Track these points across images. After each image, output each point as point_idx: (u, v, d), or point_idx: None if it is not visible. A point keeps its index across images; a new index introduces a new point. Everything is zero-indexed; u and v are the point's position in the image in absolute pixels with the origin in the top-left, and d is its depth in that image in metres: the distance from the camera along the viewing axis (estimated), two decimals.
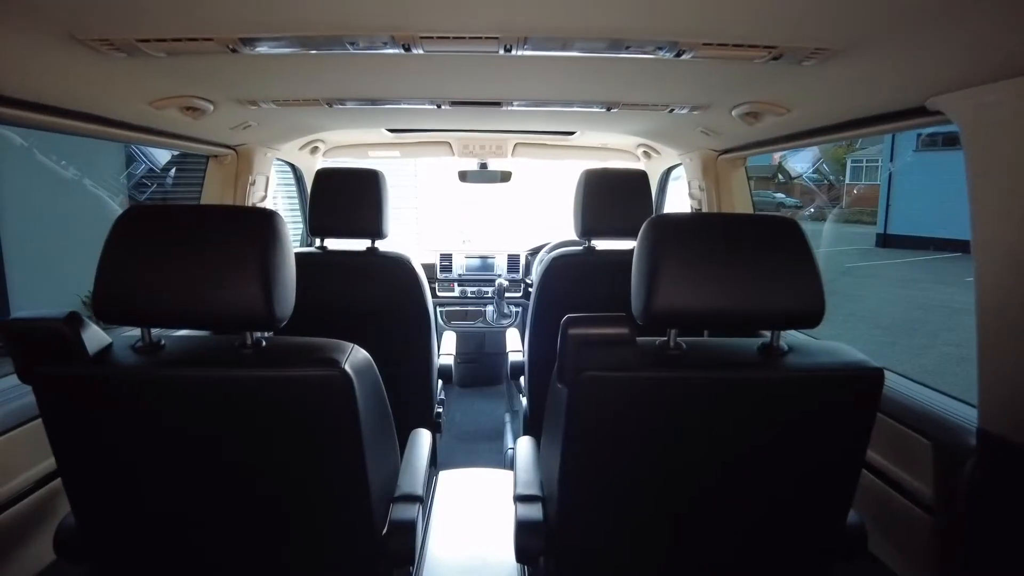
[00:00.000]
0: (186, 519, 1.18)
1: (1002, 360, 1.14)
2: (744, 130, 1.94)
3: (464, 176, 3.48)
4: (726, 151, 2.40)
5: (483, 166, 3.46)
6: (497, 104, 1.93)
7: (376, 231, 2.11)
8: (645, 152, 3.11)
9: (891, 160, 20.44)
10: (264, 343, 1.13)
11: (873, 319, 9.18)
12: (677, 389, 1.09)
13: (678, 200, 3.14)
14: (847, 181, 42.20)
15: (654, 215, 1.22)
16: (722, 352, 1.17)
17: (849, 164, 43.58)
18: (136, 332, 1.12)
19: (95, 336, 1.07)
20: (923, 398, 1.43)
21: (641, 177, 2.16)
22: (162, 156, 7.54)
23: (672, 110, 1.89)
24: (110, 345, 1.10)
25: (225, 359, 1.09)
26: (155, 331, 1.11)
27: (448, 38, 1.17)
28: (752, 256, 1.12)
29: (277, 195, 3.29)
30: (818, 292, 1.11)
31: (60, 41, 1.10)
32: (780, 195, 44.82)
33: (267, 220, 1.08)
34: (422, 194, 8.53)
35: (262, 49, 1.21)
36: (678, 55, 1.21)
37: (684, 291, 1.09)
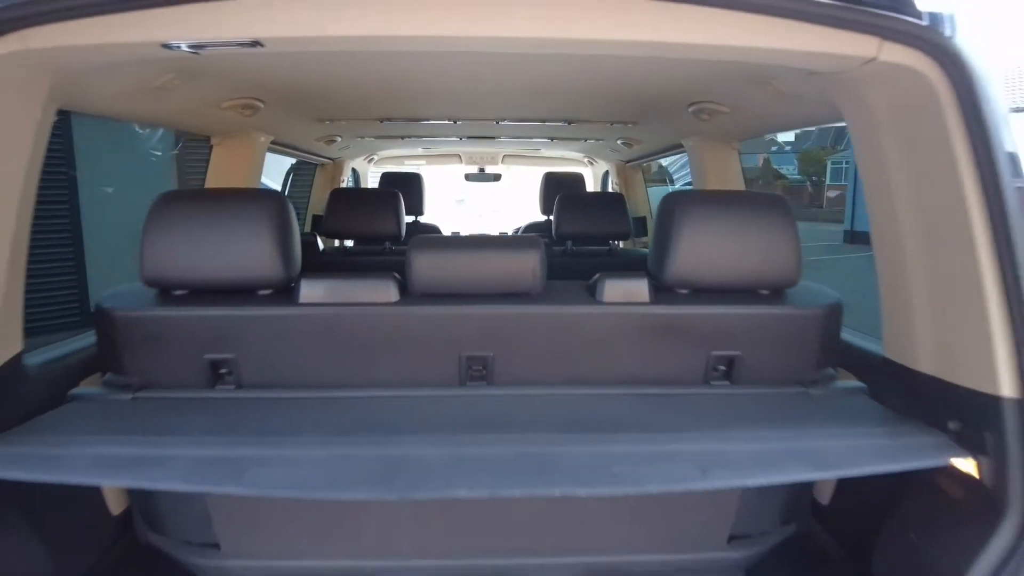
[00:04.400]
0: None
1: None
2: (633, 151, 3.50)
3: (469, 177, 5.11)
4: (628, 161, 3.98)
5: (482, 171, 5.06)
6: (492, 138, 3.50)
7: (419, 209, 3.68)
8: (589, 161, 4.69)
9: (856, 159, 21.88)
10: None
11: None
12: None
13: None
14: (828, 182, 43.51)
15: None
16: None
17: (829, 165, 44.83)
18: None
19: None
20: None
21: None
22: None
23: (588, 140, 3.47)
24: None
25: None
26: None
27: (471, 120, 2.71)
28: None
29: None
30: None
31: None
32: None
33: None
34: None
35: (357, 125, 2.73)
36: (569, 123, 2.78)
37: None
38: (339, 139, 3.30)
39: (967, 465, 1.13)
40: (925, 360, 1.24)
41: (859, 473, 1.15)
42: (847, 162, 30.74)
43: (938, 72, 1.06)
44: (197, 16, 1.01)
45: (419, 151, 4.41)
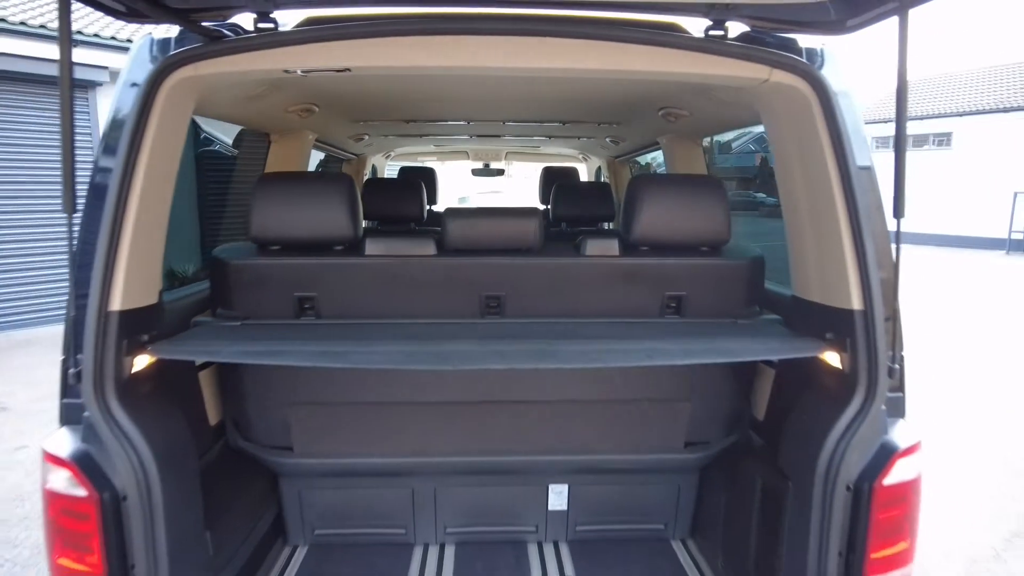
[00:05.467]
0: None
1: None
2: (620, 148, 4.01)
3: (475, 172, 5.61)
4: (616, 157, 4.48)
5: (487, 166, 5.57)
6: (498, 136, 4.01)
7: (433, 199, 4.18)
8: (583, 157, 5.20)
9: None
10: None
11: None
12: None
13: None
14: None
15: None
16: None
17: None
18: None
19: None
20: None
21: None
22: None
23: (581, 138, 3.97)
24: None
25: None
26: None
27: (481, 121, 3.22)
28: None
29: None
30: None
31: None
32: (761, 195, 46.78)
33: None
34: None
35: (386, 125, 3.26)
36: (563, 123, 3.28)
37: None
38: (367, 137, 3.81)
39: (835, 360, 1.64)
40: (814, 292, 1.75)
41: (753, 358, 1.66)
42: None
43: (809, 89, 1.56)
44: (312, 52, 1.51)
45: (432, 148, 4.92)
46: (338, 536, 2.35)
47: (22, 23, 7.67)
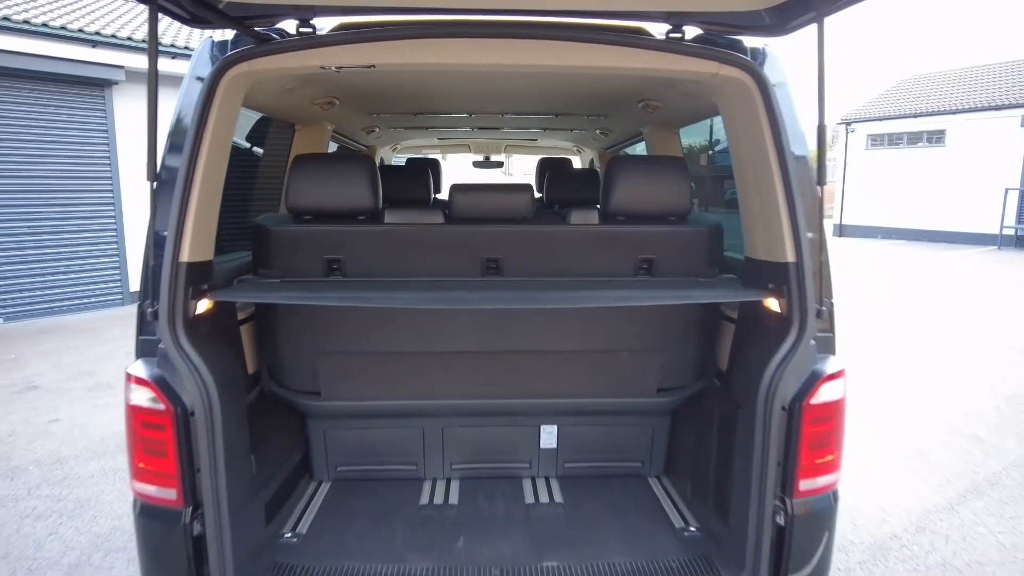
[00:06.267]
0: None
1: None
2: (609, 139, 4.35)
3: (476, 164, 5.96)
4: (607, 148, 4.82)
5: (487, 159, 5.91)
6: (498, 128, 4.35)
7: (438, 187, 4.52)
8: (577, 150, 5.54)
9: (844, 158, 22.62)
10: None
11: None
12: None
13: None
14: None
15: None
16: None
17: (828, 162, 45.19)
18: None
19: None
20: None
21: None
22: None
23: (573, 130, 4.31)
24: None
25: None
26: None
27: (482, 113, 3.56)
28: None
29: None
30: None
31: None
32: None
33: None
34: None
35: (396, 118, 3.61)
36: (556, 115, 3.62)
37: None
38: (377, 129, 4.16)
39: (775, 305, 1.98)
40: (760, 251, 2.08)
41: (704, 300, 2.00)
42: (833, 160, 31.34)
43: (752, 81, 1.90)
44: (344, 51, 1.85)
45: (435, 141, 5.26)
46: (357, 471, 2.69)
47: (25, 21, 7.98)
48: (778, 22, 1.81)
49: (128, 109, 9.10)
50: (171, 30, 10.09)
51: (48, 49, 8.07)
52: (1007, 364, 6.57)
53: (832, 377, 1.85)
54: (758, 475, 1.90)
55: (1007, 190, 17.84)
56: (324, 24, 1.87)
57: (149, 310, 1.78)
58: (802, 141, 1.95)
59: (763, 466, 1.88)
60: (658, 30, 1.92)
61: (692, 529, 2.31)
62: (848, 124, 22.11)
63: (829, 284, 1.93)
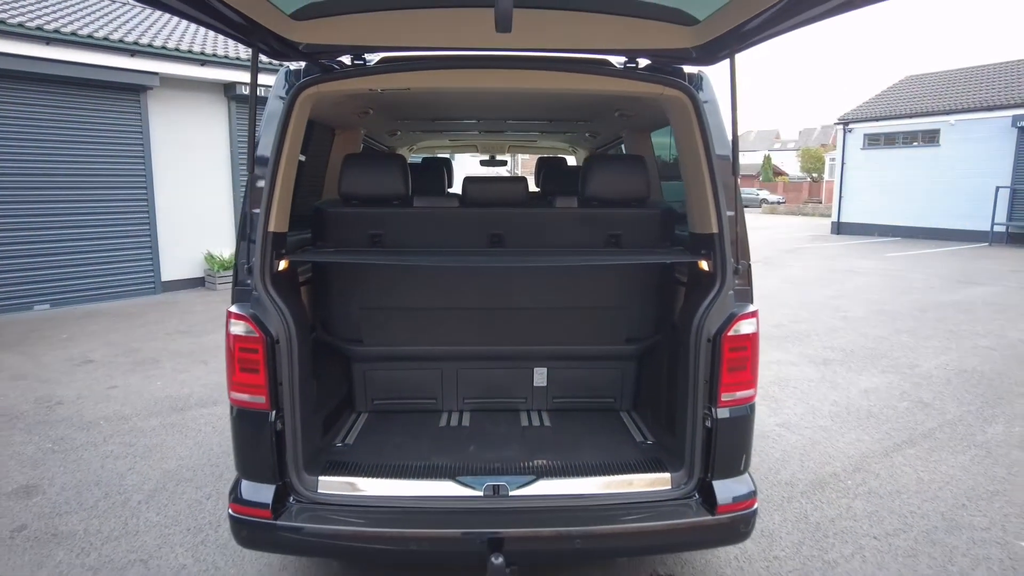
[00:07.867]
0: None
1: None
2: (598, 140, 5.02)
3: (483, 163, 6.65)
4: (597, 148, 5.49)
5: (493, 158, 6.61)
6: (501, 132, 5.02)
7: (450, 183, 5.20)
8: (572, 149, 6.22)
9: (842, 157, 23.10)
10: None
11: (786, 277, 12.27)
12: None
13: None
14: (826, 178, 44.20)
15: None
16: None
17: (828, 161, 45.35)
18: None
19: None
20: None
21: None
22: None
23: (567, 133, 4.98)
24: None
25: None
26: None
27: (488, 119, 4.24)
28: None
29: None
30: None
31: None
32: (764, 192, 47.50)
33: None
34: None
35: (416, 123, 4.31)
36: (551, 121, 4.30)
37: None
38: (399, 132, 4.85)
39: (707, 266, 2.64)
40: (697, 226, 2.73)
41: (651, 261, 2.71)
42: (832, 159, 31.64)
43: (689, 102, 2.56)
44: (387, 78, 2.52)
45: (448, 142, 5.94)
46: (389, 404, 3.39)
47: (73, 33, 8.74)
48: (703, 56, 2.47)
49: (161, 111, 9.85)
50: (198, 38, 10.82)
51: (91, 59, 8.82)
52: (947, 347, 7.19)
53: (746, 316, 2.51)
54: (691, 390, 2.56)
55: (998, 188, 18.36)
56: (371, 57, 2.55)
57: (245, 266, 2.46)
58: (725, 143, 2.61)
59: (695, 383, 2.54)
60: (620, 61, 2.60)
61: (649, 442, 2.98)
62: (846, 124, 22.61)
63: (746, 249, 2.59)
